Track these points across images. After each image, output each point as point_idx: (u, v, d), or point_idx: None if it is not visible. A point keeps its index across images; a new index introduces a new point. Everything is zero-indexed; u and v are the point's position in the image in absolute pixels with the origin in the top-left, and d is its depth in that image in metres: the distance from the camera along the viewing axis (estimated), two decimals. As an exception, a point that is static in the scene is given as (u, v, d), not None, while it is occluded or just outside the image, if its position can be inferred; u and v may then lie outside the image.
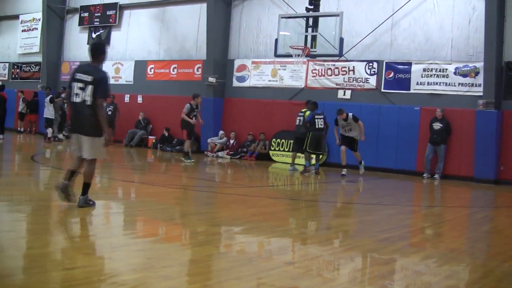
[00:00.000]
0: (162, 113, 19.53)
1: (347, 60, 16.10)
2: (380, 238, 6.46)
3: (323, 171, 14.67)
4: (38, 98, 22.61)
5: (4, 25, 26.24)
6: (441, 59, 14.80)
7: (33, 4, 24.24)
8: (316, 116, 13.86)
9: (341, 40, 13.64)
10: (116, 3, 21.48)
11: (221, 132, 18.22)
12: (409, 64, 15.23)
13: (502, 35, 13.87)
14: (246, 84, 18.32)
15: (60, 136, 19.55)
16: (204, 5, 18.54)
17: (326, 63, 16.51)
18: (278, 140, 17.23)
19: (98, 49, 7.08)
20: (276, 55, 15.05)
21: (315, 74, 16.85)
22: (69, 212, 6.83)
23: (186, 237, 6.26)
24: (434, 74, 14.85)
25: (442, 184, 13.73)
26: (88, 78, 6.75)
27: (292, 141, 16.15)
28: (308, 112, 14.04)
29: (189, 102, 15.22)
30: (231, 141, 17.95)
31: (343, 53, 14.65)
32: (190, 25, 19.49)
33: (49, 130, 18.67)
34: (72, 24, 23.33)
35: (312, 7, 14.27)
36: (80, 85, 6.77)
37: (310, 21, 14.08)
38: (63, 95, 19.88)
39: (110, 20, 21.67)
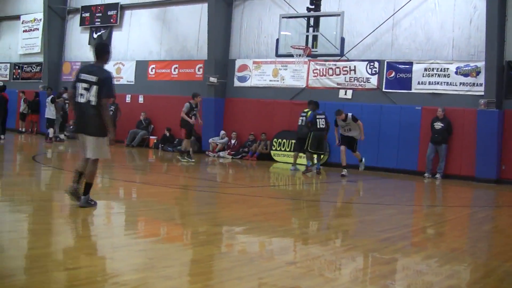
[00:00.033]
0: (164, 113, 19.53)
1: (348, 60, 16.10)
2: (381, 238, 6.46)
3: (324, 171, 14.67)
4: (39, 98, 22.63)
5: (5, 25, 26.26)
6: (442, 58, 14.79)
7: (34, 4, 24.27)
8: (317, 116, 13.86)
9: (342, 40, 13.64)
10: (117, 3, 21.49)
11: (222, 132, 18.23)
12: (410, 63, 15.23)
13: (503, 34, 13.86)
14: (247, 84, 18.33)
15: (62, 136, 19.57)
16: (205, 5, 18.55)
17: (327, 63, 16.50)
18: (280, 140, 17.23)
19: (103, 49, 7.10)
20: (277, 55, 15.05)
21: (316, 74, 16.85)
22: (71, 212, 6.84)
23: (187, 237, 6.26)
24: (435, 74, 14.85)
25: (443, 184, 13.72)
26: (93, 78, 6.76)
27: (293, 141, 16.16)
28: (310, 112, 14.05)
29: (188, 101, 15.23)
30: (233, 141, 17.96)
31: (344, 53, 14.65)
32: (191, 25, 19.50)
33: (50, 130, 18.68)
34: (73, 24, 23.35)
35: (313, 7, 14.27)
36: (85, 85, 6.78)
37: (311, 21, 14.08)
38: (64, 95, 19.91)
39: (111, 20, 21.69)
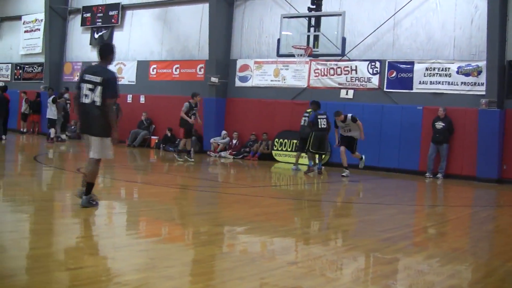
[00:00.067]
0: (165, 113, 19.54)
1: (349, 60, 16.09)
2: (382, 238, 6.46)
3: (325, 171, 14.66)
4: (40, 98, 22.66)
5: (7, 26, 26.29)
6: (443, 58, 14.78)
7: (35, 5, 24.28)
8: (319, 116, 13.85)
9: (344, 40, 13.64)
10: (118, 4, 21.50)
11: (223, 132, 18.23)
12: (412, 63, 15.22)
13: (505, 34, 13.85)
14: (248, 84, 18.33)
15: (63, 136, 19.58)
16: (206, 5, 18.56)
17: (328, 62, 16.50)
18: (281, 140, 17.22)
19: (107, 50, 7.09)
20: (279, 55, 15.04)
21: (317, 74, 16.85)
22: (72, 212, 6.84)
23: (188, 237, 6.26)
24: (437, 74, 14.84)
25: (445, 184, 13.71)
26: (97, 79, 6.77)
27: (294, 141, 16.17)
28: (312, 112, 14.04)
29: (188, 100, 15.23)
30: (234, 141, 17.96)
31: (346, 52, 14.65)
32: (192, 25, 19.51)
33: (52, 131, 18.70)
34: (75, 24, 23.37)
35: (314, 7, 14.26)
36: (89, 86, 6.79)
37: (313, 21, 14.07)
38: (65, 96, 19.95)
39: (113, 20, 21.70)
